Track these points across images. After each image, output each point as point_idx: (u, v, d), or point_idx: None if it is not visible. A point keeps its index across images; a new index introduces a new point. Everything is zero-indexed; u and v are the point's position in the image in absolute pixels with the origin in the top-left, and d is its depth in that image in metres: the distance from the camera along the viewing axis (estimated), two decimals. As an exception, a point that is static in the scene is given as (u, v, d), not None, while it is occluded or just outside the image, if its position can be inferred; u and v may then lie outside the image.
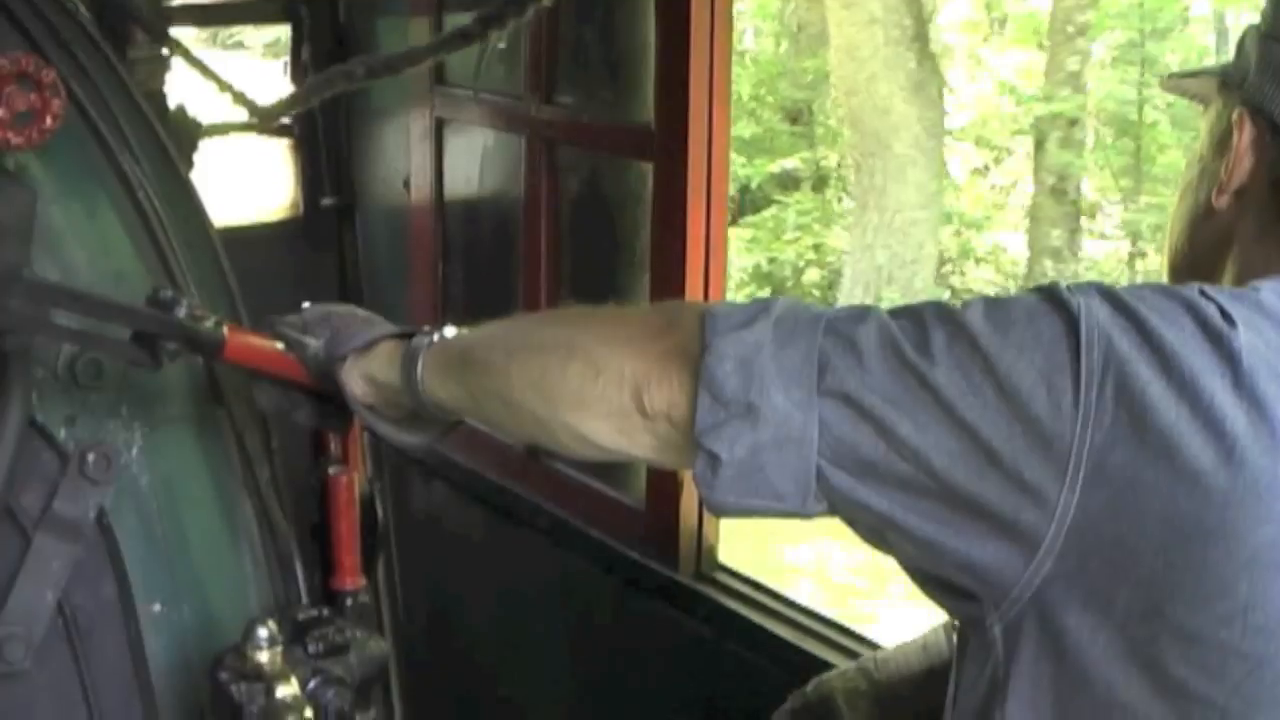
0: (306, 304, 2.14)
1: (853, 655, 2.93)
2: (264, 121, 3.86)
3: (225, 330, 2.06)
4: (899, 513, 1.47)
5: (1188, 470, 1.34)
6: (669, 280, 3.32)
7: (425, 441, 2.07)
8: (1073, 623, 1.42)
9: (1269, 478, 1.34)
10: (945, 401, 1.41)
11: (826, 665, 2.89)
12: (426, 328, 1.97)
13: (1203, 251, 1.66)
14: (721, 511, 1.57)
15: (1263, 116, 1.55)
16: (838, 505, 1.51)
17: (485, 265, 4.16)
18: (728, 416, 1.48)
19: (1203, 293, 1.41)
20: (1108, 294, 1.42)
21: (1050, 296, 1.44)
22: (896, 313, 1.51)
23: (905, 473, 1.44)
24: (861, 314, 1.51)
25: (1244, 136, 1.57)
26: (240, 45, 15.61)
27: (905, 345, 1.45)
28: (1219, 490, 1.34)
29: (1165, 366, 1.36)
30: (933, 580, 1.55)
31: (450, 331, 1.95)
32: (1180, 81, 1.80)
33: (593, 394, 1.62)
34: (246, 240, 4.22)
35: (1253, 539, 1.34)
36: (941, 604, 1.59)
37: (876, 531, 1.52)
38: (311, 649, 2.07)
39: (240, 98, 3.31)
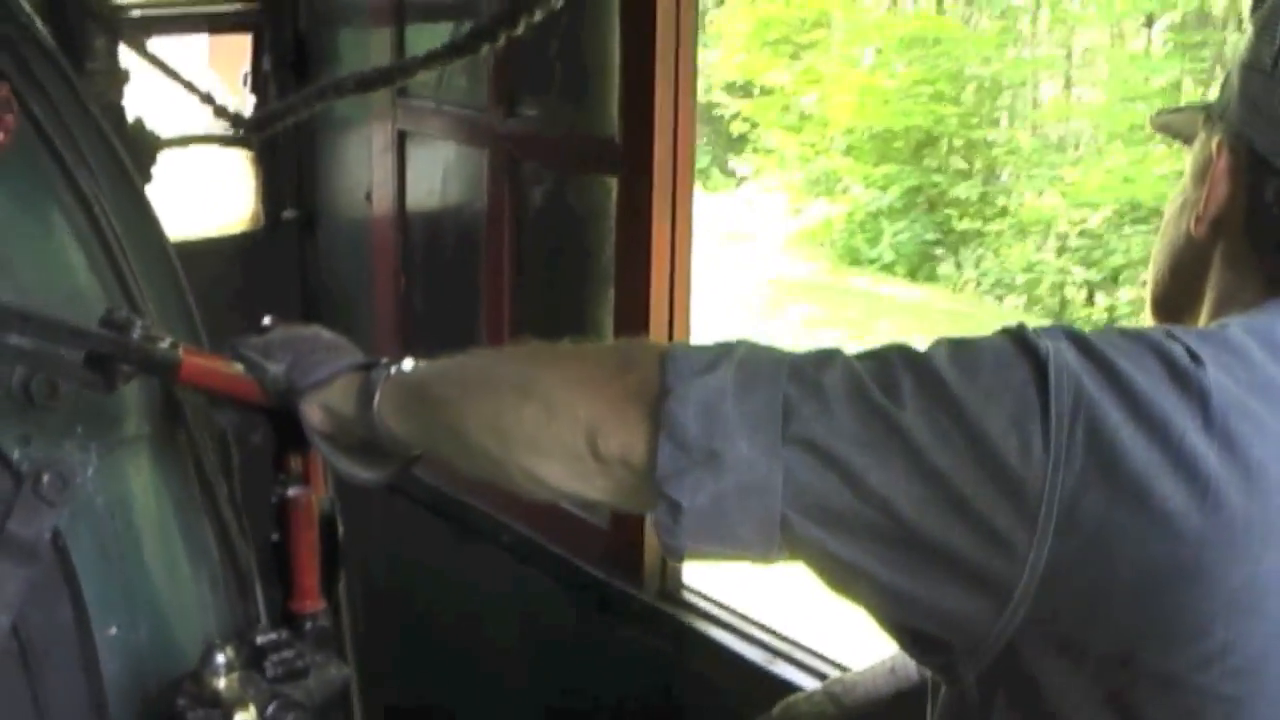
0: (268, 319, 2.12)
1: (821, 676, 2.91)
2: (249, 134, 3.84)
3: (181, 352, 2.04)
4: (866, 561, 1.44)
5: (1161, 512, 1.33)
6: (634, 294, 3.31)
7: (381, 478, 2.04)
8: (1047, 670, 1.41)
9: (1243, 517, 1.33)
10: (914, 448, 1.39)
11: (794, 687, 2.88)
12: (384, 360, 1.95)
13: (1182, 281, 1.65)
14: (679, 557, 1.55)
15: (1241, 145, 1.55)
16: (802, 553, 1.48)
17: (448, 278, 4.14)
18: (690, 464, 1.45)
19: (1169, 334, 1.41)
20: (1075, 337, 1.41)
21: (1018, 340, 1.42)
22: (862, 357, 1.49)
23: (873, 521, 1.41)
24: (826, 358, 1.49)
25: (1221, 164, 1.57)
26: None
27: (872, 390, 1.42)
28: (1193, 531, 1.32)
29: (1135, 409, 1.34)
30: (904, 630, 1.52)
31: (408, 365, 1.93)
32: (1167, 119, 1.80)
33: (546, 437, 1.59)
34: (207, 253, 4.21)
35: (1229, 580, 1.33)
36: (913, 654, 1.57)
37: (843, 581, 1.49)
38: (270, 673, 2.04)
39: (223, 111, 3.29)
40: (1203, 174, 1.60)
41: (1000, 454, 1.36)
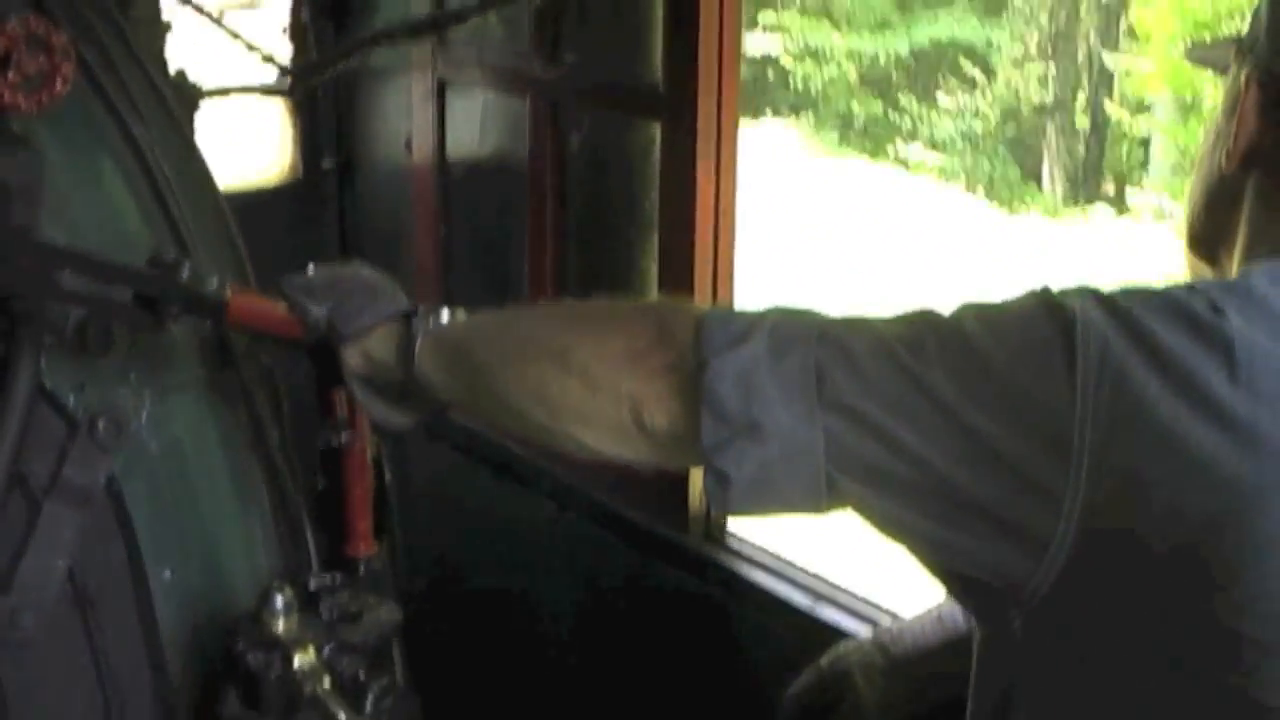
0: (312, 266, 2.13)
1: (866, 621, 2.92)
2: (296, 83, 3.84)
3: (228, 292, 2.05)
4: (909, 515, 1.48)
5: (1190, 462, 1.34)
6: (678, 241, 3.30)
7: (415, 422, 2.07)
8: (1087, 617, 1.43)
9: (1273, 465, 1.33)
10: (944, 406, 1.41)
11: (840, 631, 2.88)
12: (424, 308, 1.98)
13: (1215, 217, 1.65)
14: (734, 515, 1.59)
15: (1271, 79, 1.54)
16: (851, 506, 1.52)
17: (488, 227, 4.13)
18: (732, 435, 1.49)
19: (1191, 288, 1.42)
20: (1100, 297, 1.42)
21: (1044, 301, 1.44)
22: (890, 321, 1.51)
23: (911, 477, 1.44)
24: (855, 323, 1.52)
25: (1250, 98, 1.57)
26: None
27: (900, 352, 1.45)
28: (1223, 480, 1.33)
29: (1161, 365, 1.36)
30: (950, 576, 1.56)
31: (446, 315, 1.96)
32: (1204, 53, 1.80)
33: (591, 409, 1.64)
34: (247, 203, 4.19)
35: (1260, 527, 1.34)
36: (959, 599, 1.62)
37: (891, 530, 1.53)
38: (325, 616, 2.07)
39: (270, 59, 3.29)
40: (1233, 108, 1.59)
41: (1030, 409, 1.39)
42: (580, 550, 3.76)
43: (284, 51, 4.34)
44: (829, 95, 21.69)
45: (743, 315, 1.56)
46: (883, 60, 21.73)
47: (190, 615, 2.17)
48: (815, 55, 21.62)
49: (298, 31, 4.33)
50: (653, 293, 3.46)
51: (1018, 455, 1.39)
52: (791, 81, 21.83)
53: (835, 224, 17.22)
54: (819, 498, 1.50)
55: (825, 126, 21.58)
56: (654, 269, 3.45)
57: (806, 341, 1.49)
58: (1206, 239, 1.68)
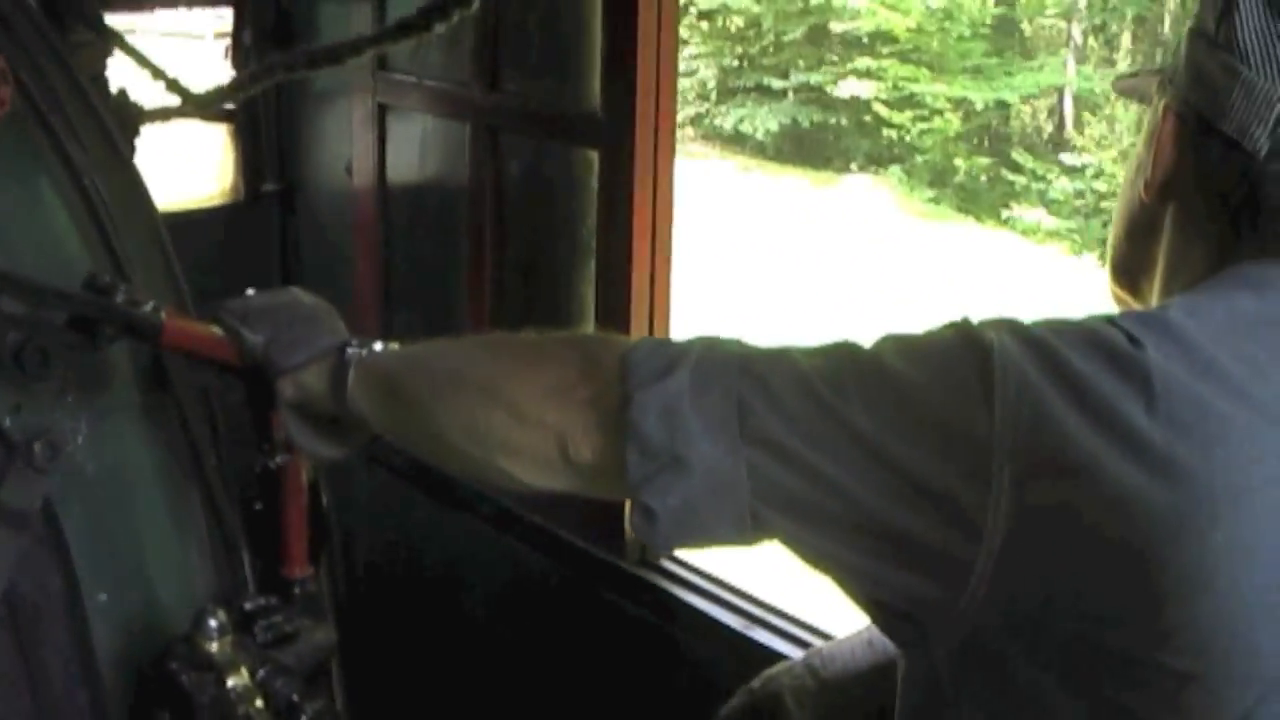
0: (250, 291, 2.14)
1: (798, 643, 2.95)
2: (198, 109, 3.83)
3: (163, 316, 2.06)
4: (832, 546, 1.49)
5: (1108, 496, 1.35)
6: (615, 268, 3.32)
7: (342, 454, 2.10)
8: (1010, 648, 1.43)
9: (1189, 497, 1.34)
10: (863, 437, 1.42)
11: (773, 653, 2.91)
12: (357, 341, 1.99)
13: (1136, 245, 1.67)
14: (662, 551, 1.60)
15: (1188, 110, 1.57)
16: (775, 538, 1.53)
17: (429, 251, 4.15)
18: (656, 468, 1.50)
19: (1109, 320, 1.43)
20: (1018, 328, 1.44)
21: (962, 332, 1.46)
22: (812, 352, 1.52)
23: (833, 509, 1.45)
24: (777, 355, 1.53)
25: (1167, 127, 1.59)
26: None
27: (819, 384, 1.46)
28: (1141, 513, 1.34)
29: (1079, 397, 1.36)
30: (876, 606, 1.56)
31: (380, 347, 1.97)
32: (1129, 83, 1.82)
33: (519, 442, 1.65)
34: (188, 225, 4.18)
35: (1178, 559, 1.35)
36: (885, 630, 1.60)
37: (815, 561, 1.54)
38: (260, 638, 2.07)
39: (174, 85, 3.28)
40: (1152, 138, 1.62)
41: (949, 440, 1.40)
42: (517, 573, 3.78)
43: (226, 76, 4.35)
44: (927, 148, 20.85)
45: (668, 347, 1.57)
46: (981, 108, 20.73)
47: (125, 637, 2.16)
48: (913, 103, 20.88)
49: (240, 55, 4.35)
50: (590, 319, 3.48)
51: (938, 486, 1.40)
52: (887, 133, 21.02)
53: (934, 296, 15.77)
54: (744, 530, 1.51)
55: (920, 183, 20.71)
56: (592, 294, 3.47)
57: (728, 375, 1.50)
58: (1128, 269, 1.70)
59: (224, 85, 3.40)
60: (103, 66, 2.79)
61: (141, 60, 3.11)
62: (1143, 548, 1.35)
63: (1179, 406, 1.36)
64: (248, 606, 2.12)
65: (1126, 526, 1.35)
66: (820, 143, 22.11)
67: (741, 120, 22.35)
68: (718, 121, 22.81)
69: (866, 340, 1.52)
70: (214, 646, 1.96)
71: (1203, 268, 1.56)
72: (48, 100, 2.24)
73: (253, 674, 1.98)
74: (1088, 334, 1.41)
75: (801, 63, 22.41)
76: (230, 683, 1.94)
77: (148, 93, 3.09)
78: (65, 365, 2.09)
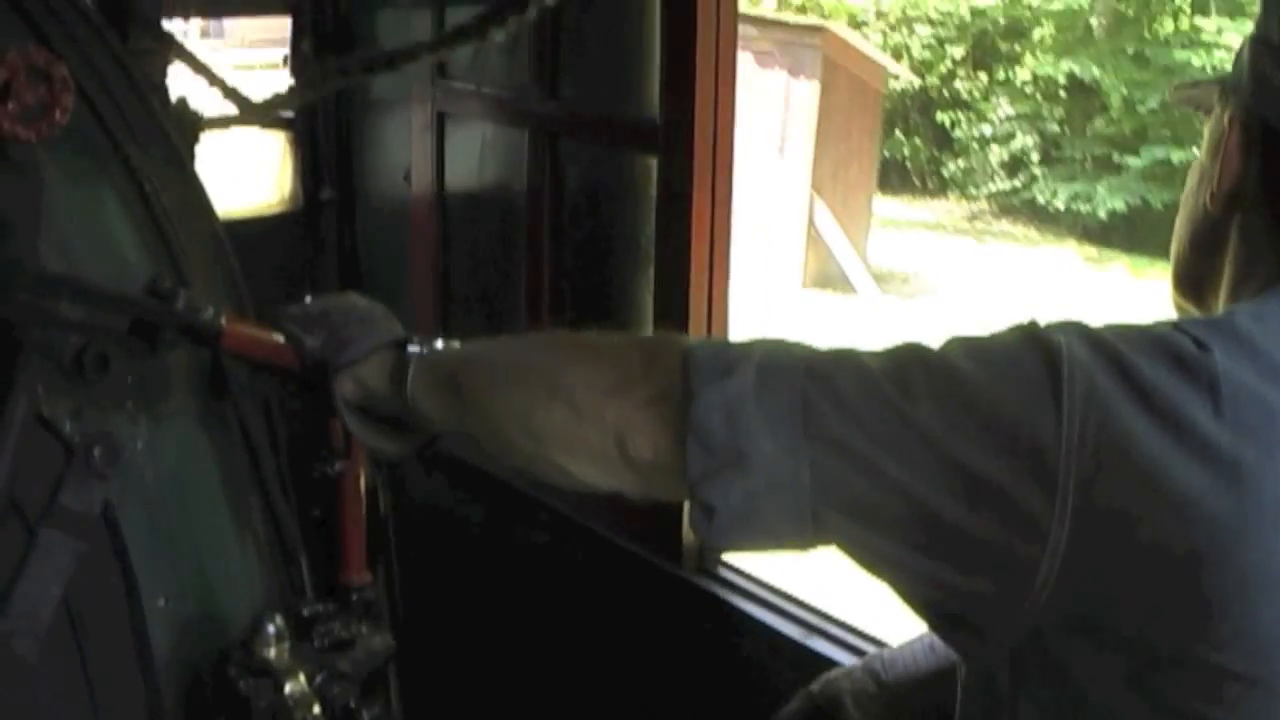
0: (309, 298, 2.15)
1: (857, 652, 2.93)
2: (254, 117, 3.86)
3: (223, 321, 2.07)
4: (893, 548, 1.48)
5: (1175, 499, 1.34)
6: (673, 275, 3.31)
7: (406, 451, 2.09)
8: (1071, 651, 1.42)
9: (1255, 501, 1.34)
10: (930, 438, 1.42)
11: (830, 662, 2.89)
12: (417, 339, 1.99)
13: (1201, 256, 1.66)
14: (720, 551, 1.58)
15: (1253, 119, 1.55)
16: (835, 541, 1.52)
17: (487, 259, 4.15)
18: (719, 465, 1.49)
19: (1176, 325, 1.43)
20: (1087, 333, 1.43)
21: (1031, 335, 1.45)
22: (878, 354, 1.51)
23: (897, 511, 1.44)
24: (842, 357, 1.52)
25: (1233, 138, 1.58)
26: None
27: (885, 386, 1.45)
28: (1206, 516, 1.34)
29: (1146, 400, 1.36)
30: (935, 612, 1.55)
31: (440, 344, 1.97)
32: (1189, 93, 1.81)
33: (576, 438, 1.64)
34: (246, 233, 4.21)
35: (1242, 563, 1.34)
36: (943, 635, 1.60)
37: (874, 565, 1.52)
38: (317, 644, 2.08)
39: (231, 93, 3.31)
40: (1217, 149, 1.60)
41: (1016, 442, 1.39)
42: (574, 580, 3.77)
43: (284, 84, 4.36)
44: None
45: (730, 348, 1.56)
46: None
47: (183, 643, 2.17)
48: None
49: (299, 64, 4.37)
50: (648, 324, 3.47)
51: (1003, 487, 1.39)
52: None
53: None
54: (804, 531, 1.50)
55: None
56: (650, 301, 3.46)
57: (794, 374, 1.49)
58: (1193, 280, 1.68)
59: (282, 93, 3.42)
60: (163, 74, 2.82)
61: (201, 68, 3.13)
62: (1207, 550, 1.34)
63: (1245, 410, 1.35)
64: (305, 613, 2.13)
65: (1192, 528, 1.34)
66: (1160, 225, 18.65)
67: (1075, 197, 19.72)
68: (1039, 198, 20.23)
69: (934, 342, 1.51)
70: (272, 652, 1.96)
71: (1270, 276, 1.54)
72: (109, 107, 2.25)
73: (310, 680, 1.99)
74: (1155, 338, 1.41)
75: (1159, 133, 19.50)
76: (288, 688, 1.95)
77: (208, 101, 3.12)
78: (126, 370, 2.10)
